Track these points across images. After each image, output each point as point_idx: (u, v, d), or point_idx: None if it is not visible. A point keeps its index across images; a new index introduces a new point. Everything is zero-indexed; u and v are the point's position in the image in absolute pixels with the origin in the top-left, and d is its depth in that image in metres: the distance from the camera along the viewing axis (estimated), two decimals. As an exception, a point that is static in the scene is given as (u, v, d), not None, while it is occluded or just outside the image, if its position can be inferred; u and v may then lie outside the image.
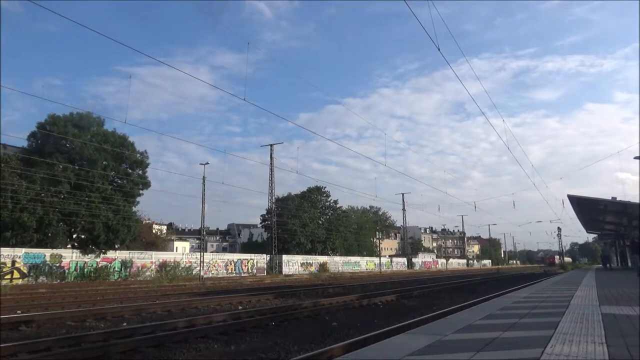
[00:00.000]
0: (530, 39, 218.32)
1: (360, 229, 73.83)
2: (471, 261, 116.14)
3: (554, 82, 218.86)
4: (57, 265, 31.86)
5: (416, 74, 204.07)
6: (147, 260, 37.88)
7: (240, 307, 13.96)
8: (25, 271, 29.61)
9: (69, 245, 36.02)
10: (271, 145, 48.69)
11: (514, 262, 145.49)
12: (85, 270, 33.15)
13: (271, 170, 48.64)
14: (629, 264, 43.38)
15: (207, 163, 37.73)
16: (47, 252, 31.62)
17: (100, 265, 34.20)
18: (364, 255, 70.97)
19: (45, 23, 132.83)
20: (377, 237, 79.14)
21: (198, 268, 38.15)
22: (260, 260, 48.37)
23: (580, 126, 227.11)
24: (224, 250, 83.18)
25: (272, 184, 49.28)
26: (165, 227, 75.63)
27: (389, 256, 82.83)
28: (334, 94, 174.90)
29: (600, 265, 55.06)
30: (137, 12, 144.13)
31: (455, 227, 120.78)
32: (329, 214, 67.95)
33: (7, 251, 29.22)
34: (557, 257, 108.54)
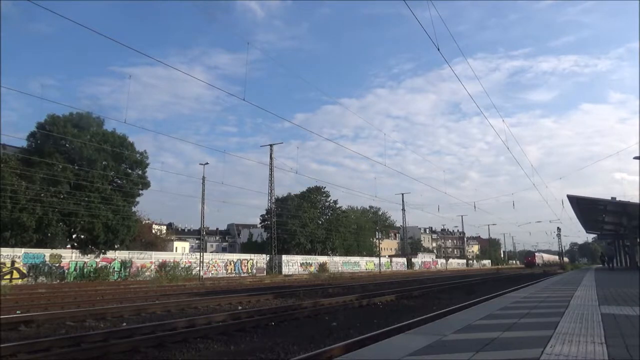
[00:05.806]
0: (524, 40, 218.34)
1: (359, 229, 73.77)
2: (471, 261, 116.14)
3: (548, 82, 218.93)
4: (57, 265, 31.83)
5: (411, 74, 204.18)
6: (146, 260, 37.86)
7: (240, 307, 13.95)
8: (24, 271, 29.56)
9: (68, 246, 35.99)
10: (271, 146, 48.77)
11: (514, 262, 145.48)
12: (85, 270, 33.13)
13: (271, 170, 48.68)
14: (628, 264, 43.45)
15: (207, 163, 37.74)
16: (46, 252, 31.58)
17: (99, 265, 34.18)
18: (363, 256, 70.95)
19: (39, 23, 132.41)
20: (377, 237, 79.12)
21: (198, 268, 38.13)
22: (260, 260, 48.37)
23: (576, 126, 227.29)
24: (224, 250, 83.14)
25: (271, 184, 49.31)
26: (165, 227, 75.66)
27: (389, 256, 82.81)
28: (329, 94, 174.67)
29: (600, 265, 55.12)
30: (130, 12, 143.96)
31: (455, 227, 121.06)
32: (329, 214, 67.95)
33: (6, 251, 29.18)
34: (537, 255, 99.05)
